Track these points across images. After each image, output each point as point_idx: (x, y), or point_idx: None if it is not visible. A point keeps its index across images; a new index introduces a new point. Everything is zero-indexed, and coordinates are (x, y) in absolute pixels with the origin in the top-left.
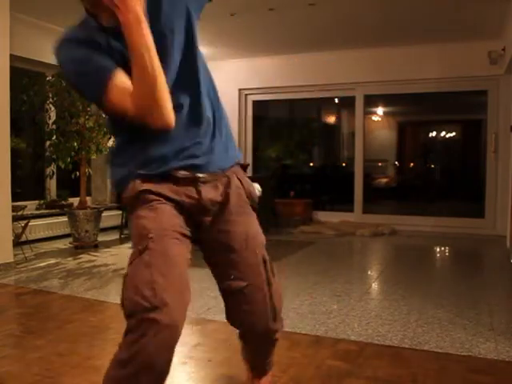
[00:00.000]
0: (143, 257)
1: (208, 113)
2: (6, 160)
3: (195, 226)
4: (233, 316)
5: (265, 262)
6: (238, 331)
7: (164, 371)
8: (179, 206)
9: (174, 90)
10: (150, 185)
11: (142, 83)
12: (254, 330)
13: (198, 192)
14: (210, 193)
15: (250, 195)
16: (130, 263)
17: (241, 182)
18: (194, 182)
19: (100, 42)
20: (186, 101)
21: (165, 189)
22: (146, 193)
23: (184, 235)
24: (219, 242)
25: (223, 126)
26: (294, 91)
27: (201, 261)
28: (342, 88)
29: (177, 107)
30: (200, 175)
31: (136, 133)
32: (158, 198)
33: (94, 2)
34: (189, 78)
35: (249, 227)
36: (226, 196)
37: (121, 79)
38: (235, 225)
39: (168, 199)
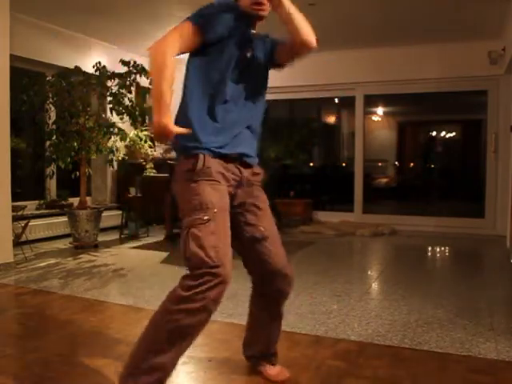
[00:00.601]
0: (209, 225)
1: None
2: (6, 160)
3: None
4: (258, 261)
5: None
6: (251, 302)
7: (211, 314)
8: (228, 182)
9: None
10: (215, 163)
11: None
12: (276, 269)
13: (240, 171)
14: (246, 172)
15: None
16: (194, 226)
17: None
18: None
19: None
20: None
21: (222, 167)
22: (212, 169)
23: (229, 211)
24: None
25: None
26: (294, 91)
27: None
28: (342, 88)
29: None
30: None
31: (216, 111)
32: (218, 177)
33: None
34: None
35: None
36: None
37: None
38: (259, 192)
39: (223, 177)
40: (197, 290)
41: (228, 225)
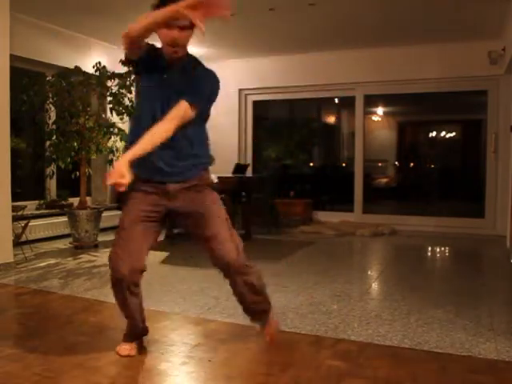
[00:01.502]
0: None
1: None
2: (6, 160)
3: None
4: (212, 256)
5: (226, 219)
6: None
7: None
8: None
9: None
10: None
11: None
12: (225, 262)
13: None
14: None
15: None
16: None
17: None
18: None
19: None
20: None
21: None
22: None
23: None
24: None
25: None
26: (294, 91)
27: (200, 262)
28: (342, 88)
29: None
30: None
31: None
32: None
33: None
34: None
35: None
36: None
37: None
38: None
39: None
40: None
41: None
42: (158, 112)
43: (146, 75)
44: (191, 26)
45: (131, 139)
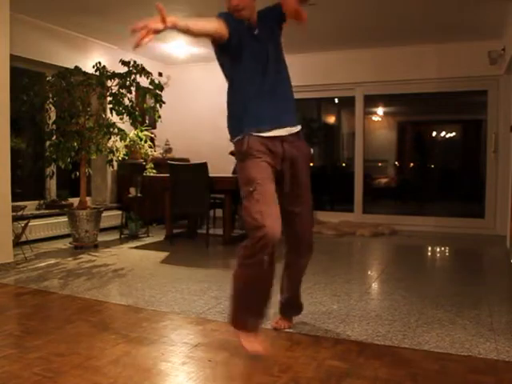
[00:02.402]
0: (254, 195)
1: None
2: (6, 160)
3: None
4: (290, 229)
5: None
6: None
7: (264, 258)
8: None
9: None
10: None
11: None
12: (304, 237)
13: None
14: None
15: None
16: (245, 198)
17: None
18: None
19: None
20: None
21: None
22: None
23: (273, 180)
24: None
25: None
26: (294, 91)
27: (200, 262)
28: (342, 88)
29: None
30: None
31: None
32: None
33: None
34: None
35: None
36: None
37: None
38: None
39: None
40: (250, 246)
41: (271, 191)
42: (264, 68)
43: (239, 43)
44: None
45: (239, 108)
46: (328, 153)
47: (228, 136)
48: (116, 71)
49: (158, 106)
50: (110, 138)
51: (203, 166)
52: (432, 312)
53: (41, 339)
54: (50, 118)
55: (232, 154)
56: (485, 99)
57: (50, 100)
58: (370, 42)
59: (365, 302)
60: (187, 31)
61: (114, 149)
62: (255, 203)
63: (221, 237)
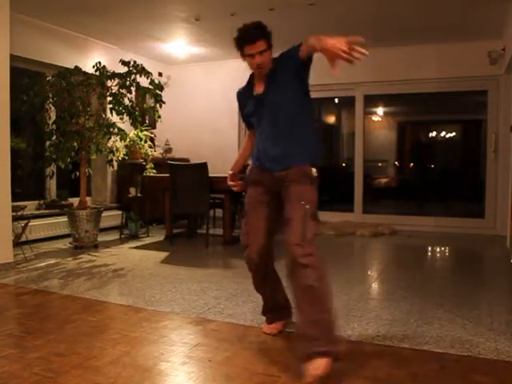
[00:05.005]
0: (245, 218)
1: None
2: (6, 160)
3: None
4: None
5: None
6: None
7: (256, 269)
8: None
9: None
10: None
11: None
12: (288, 249)
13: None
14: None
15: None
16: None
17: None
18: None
19: None
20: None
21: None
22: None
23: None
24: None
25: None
26: None
27: (200, 262)
28: (342, 88)
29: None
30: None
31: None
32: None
33: None
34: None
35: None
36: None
37: None
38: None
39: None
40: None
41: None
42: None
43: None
44: (269, 48)
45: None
46: (328, 153)
47: (228, 136)
48: (116, 71)
49: (157, 105)
50: (109, 138)
51: (203, 166)
52: (432, 312)
53: (41, 339)
54: (50, 118)
55: None
56: (485, 99)
57: (50, 100)
58: (369, 42)
59: (365, 301)
60: None
61: (114, 149)
62: (244, 226)
63: (221, 237)
